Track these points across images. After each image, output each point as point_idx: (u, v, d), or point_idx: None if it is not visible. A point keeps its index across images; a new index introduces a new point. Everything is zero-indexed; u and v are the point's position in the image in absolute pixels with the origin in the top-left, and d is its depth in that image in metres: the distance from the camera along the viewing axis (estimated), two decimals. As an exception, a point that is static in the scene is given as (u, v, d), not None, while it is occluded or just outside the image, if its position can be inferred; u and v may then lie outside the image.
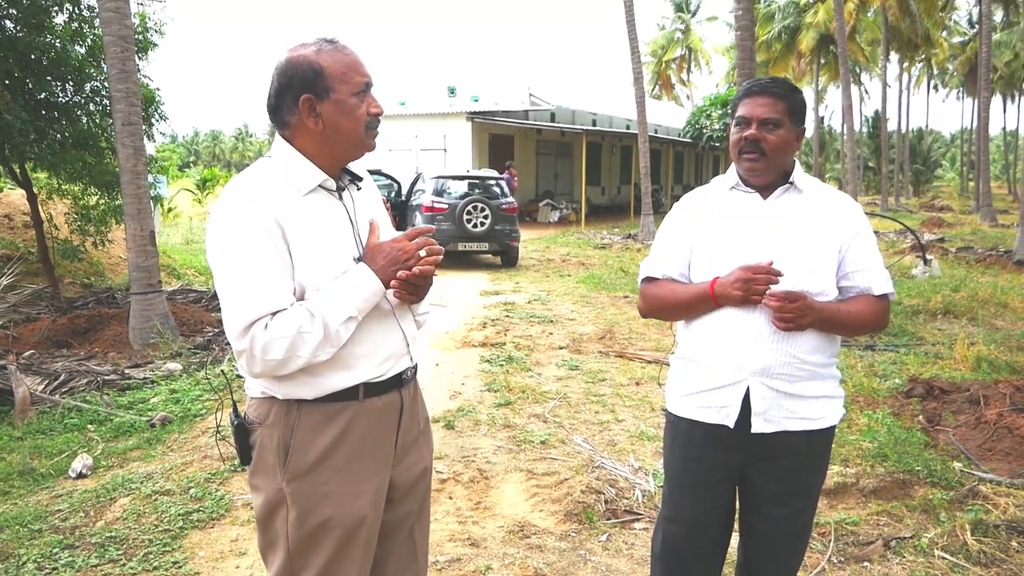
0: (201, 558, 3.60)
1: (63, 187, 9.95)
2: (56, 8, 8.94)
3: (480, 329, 8.83)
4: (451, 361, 7.34)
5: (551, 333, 8.66)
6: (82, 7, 9.31)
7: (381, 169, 16.19)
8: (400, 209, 15.92)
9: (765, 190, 2.35)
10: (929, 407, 5.50)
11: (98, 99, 9.51)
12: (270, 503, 1.95)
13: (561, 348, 7.91)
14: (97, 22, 9.36)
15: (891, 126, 46.29)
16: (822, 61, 42.55)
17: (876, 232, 20.59)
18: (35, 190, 9.73)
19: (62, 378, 6.28)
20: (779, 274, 2.18)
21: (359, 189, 2.08)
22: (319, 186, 1.95)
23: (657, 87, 55.60)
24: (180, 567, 3.51)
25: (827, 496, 4.21)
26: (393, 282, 1.94)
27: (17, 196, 11.68)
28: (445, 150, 25.99)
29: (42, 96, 9.12)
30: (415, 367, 2.15)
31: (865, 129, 51.83)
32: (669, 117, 39.24)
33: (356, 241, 1.99)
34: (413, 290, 1.98)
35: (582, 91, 32.51)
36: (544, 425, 5.46)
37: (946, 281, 11.34)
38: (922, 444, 4.75)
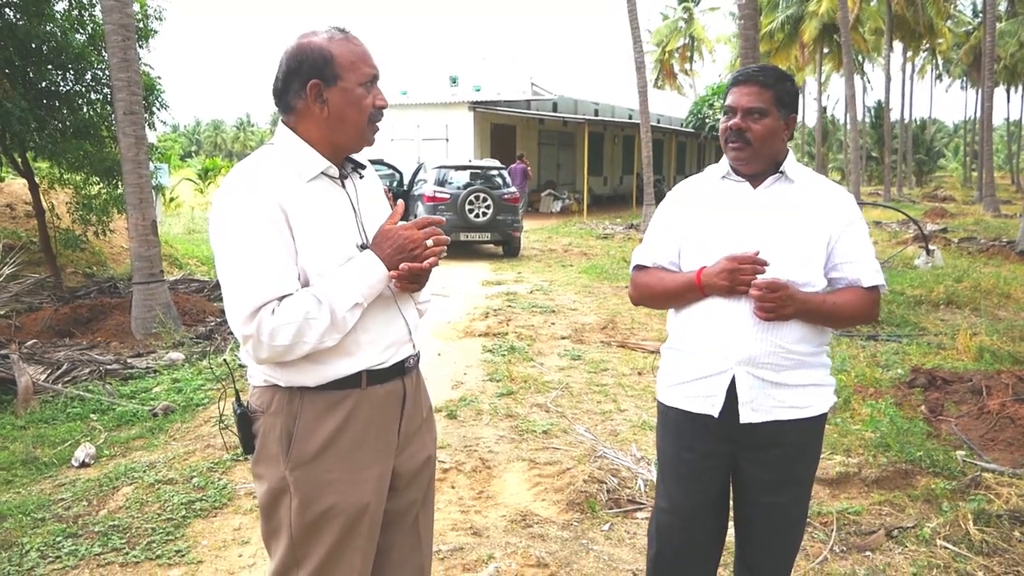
0: (204, 547, 3.61)
1: (65, 176, 9.94)
2: (56, -5, 8.91)
3: (482, 319, 8.83)
4: (453, 351, 7.35)
5: (553, 323, 8.66)
6: (82, -5, 9.28)
7: (383, 159, 16.14)
8: (402, 199, 15.87)
9: (755, 179, 2.34)
10: (931, 397, 5.50)
11: (99, 88, 9.49)
12: (273, 491, 1.95)
13: (563, 338, 7.91)
14: (97, 10, 9.34)
15: (894, 116, 46.20)
16: (825, 51, 42.41)
17: (879, 222, 20.67)
18: (37, 179, 9.72)
19: (65, 367, 6.29)
20: (764, 263, 2.17)
21: (361, 178, 2.08)
22: (322, 173, 1.95)
23: (660, 77, 55.44)
24: (183, 556, 3.52)
25: (829, 486, 4.21)
26: (393, 272, 1.93)
27: (19, 185, 11.68)
28: (447, 140, 25.94)
29: (43, 85, 9.09)
30: (418, 355, 2.14)
31: (868, 119, 51.67)
32: (672, 107, 39.14)
33: (359, 228, 1.99)
34: (413, 279, 1.98)
35: (584, 81, 32.43)
36: (546, 415, 5.47)
37: (949, 271, 11.33)
38: (924, 434, 4.75)
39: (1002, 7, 40.19)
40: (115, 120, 7.97)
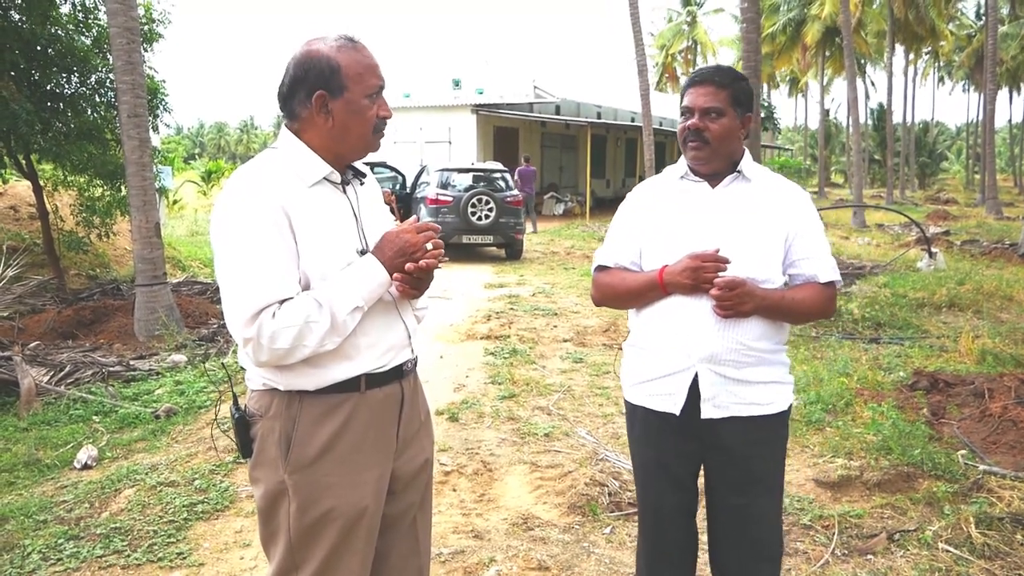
0: (205, 549, 3.62)
1: (69, 178, 9.96)
2: (61, -2, 8.94)
3: (484, 322, 8.83)
4: (455, 354, 7.35)
5: (555, 326, 8.66)
6: (87, -3, 9.31)
7: (386, 162, 16.15)
8: (405, 202, 15.89)
9: (713, 179, 2.38)
10: (934, 400, 5.49)
11: (103, 90, 9.51)
12: (271, 495, 1.95)
13: (565, 341, 7.91)
14: (102, 12, 9.36)
15: (896, 119, 46.15)
16: (827, 54, 42.39)
17: (881, 225, 20.66)
18: (41, 181, 9.74)
19: (67, 369, 6.30)
20: (726, 261, 2.20)
21: (362, 184, 2.09)
22: (324, 179, 1.96)
23: (663, 79, 55.42)
24: (185, 558, 3.52)
25: (831, 489, 4.21)
26: (397, 275, 1.95)
27: (23, 187, 11.69)
28: (450, 143, 25.95)
29: (48, 87, 9.12)
30: (416, 359, 2.15)
31: (870, 122, 51.65)
32: (674, 110, 38.99)
33: (360, 234, 2.00)
34: (415, 284, 2.00)
35: (587, 83, 32.42)
36: (548, 418, 5.47)
37: (951, 274, 11.31)
38: (926, 437, 4.74)
39: (1004, 10, 40.16)
40: (119, 123, 7.99)
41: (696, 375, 2.29)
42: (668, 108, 38.23)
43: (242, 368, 2.02)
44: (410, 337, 2.10)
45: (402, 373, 2.07)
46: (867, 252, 15.17)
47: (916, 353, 7.06)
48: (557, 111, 28.12)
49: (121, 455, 4.86)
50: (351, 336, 1.92)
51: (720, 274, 2.20)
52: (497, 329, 8.40)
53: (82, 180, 9.94)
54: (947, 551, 3.48)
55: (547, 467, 4.56)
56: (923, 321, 8.53)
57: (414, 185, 16.09)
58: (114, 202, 9.87)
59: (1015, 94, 54.89)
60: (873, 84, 54.74)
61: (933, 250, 12.65)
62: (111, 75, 8.70)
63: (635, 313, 2.48)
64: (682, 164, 2.43)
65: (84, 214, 9.88)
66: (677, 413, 2.31)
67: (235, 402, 2.02)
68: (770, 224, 2.31)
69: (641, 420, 2.44)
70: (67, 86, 9.42)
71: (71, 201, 10.20)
